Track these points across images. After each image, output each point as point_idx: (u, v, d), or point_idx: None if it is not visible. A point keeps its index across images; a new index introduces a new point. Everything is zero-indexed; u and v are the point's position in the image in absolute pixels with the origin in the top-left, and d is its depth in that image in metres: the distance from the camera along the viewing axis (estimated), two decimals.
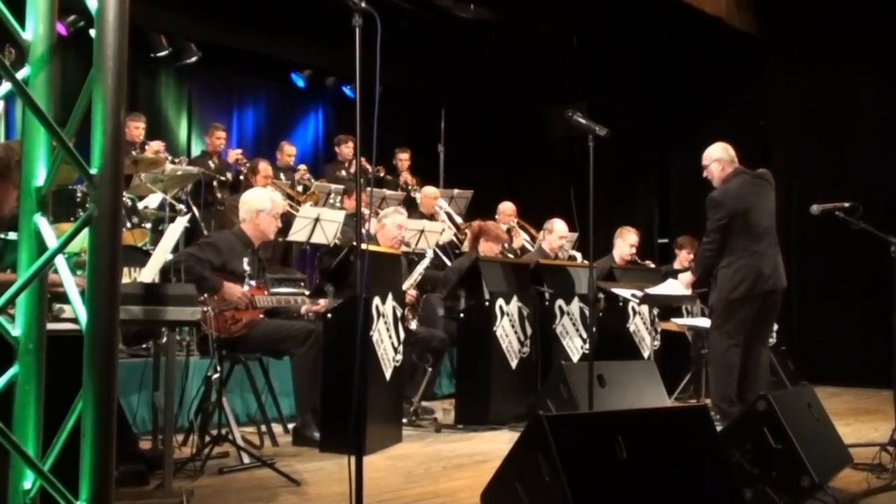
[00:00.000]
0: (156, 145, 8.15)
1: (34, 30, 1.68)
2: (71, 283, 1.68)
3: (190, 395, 5.31)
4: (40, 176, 1.69)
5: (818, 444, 4.09)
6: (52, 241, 1.68)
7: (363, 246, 4.68)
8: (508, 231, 9.46)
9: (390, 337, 5.48)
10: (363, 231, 8.06)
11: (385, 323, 5.42)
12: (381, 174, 10.26)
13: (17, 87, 1.56)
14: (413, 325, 6.57)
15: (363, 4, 2.97)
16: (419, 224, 8.20)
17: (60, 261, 1.68)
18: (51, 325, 1.94)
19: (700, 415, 3.47)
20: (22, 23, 1.70)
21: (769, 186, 6.05)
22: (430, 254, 7.45)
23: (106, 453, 1.58)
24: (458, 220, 9.71)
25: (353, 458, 3.09)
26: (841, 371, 8.85)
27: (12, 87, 1.57)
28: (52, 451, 1.72)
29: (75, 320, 1.79)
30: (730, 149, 6.07)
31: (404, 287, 6.55)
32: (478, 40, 11.65)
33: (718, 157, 6.00)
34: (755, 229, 5.81)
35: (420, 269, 7.00)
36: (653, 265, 8.99)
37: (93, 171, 1.58)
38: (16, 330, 1.74)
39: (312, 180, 9.27)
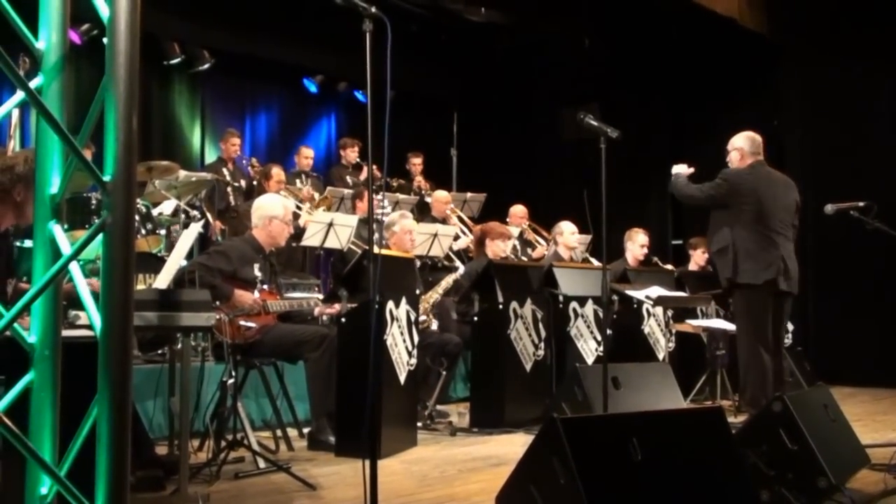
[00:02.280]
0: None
1: (47, 39, 1.69)
2: (85, 290, 1.69)
3: (205, 400, 5.32)
4: (54, 184, 1.71)
5: (835, 445, 4.06)
6: (66, 248, 1.69)
7: (376, 250, 4.70)
8: (521, 234, 9.47)
9: (404, 341, 5.48)
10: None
11: (399, 327, 5.43)
12: (392, 182, 10.25)
13: (31, 96, 1.58)
14: (434, 325, 6.58)
15: (373, 10, 2.98)
16: (432, 228, 8.21)
17: (75, 267, 1.69)
18: (66, 332, 1.95)
19: (715, 416, 3.45)
20: (35, 32, 1.71)
21: (792, 189, 5.96)
22: (462, 268, 7.46)
23: (121, 458, 1.59)
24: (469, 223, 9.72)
25: (367, 462, 3.09)
26: (857, 371, 8.79)
27: (26, 96, 1.58)
28: (68, 456, 1.73)
29: (91, 327, 1.80)
30: (756, 139, 5.98)
31: (433, 295, 6.59)
32: (489, 43, 11.65)
33: (740, 147, 5.93)
34: (766, 223, 5.71)
35: (450, 279, 6.97)
36: (672, 267, 8.97)
37: (106, 178, 1.59)
38: (31, 337, 1.76)
39: (316, 196, 9.18)
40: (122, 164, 1.58)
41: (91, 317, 1.66)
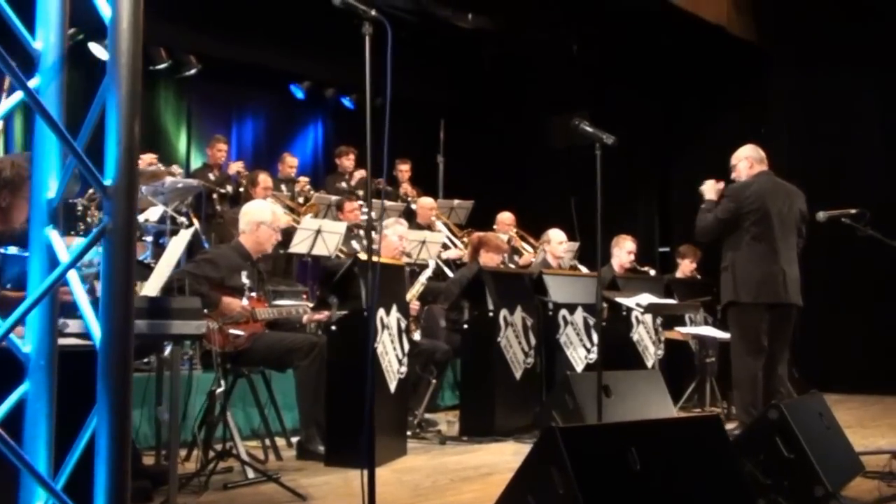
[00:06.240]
0: (148, 157, 8.10)
1: (45, 39, 1.65)
2: (84, 298, 1.64)
3: (192, 409, 5.26)
4: (51, 188, 1.66)
5: (830, 453, 4.06)
6: (63, 255, 1.64)
7: (364, 258, 4.67)
8: (509, 241, 9.44)
9: (395, 349, 5.44)
10: (364, 243, 8.01)
11: (389, 335, 5.38)
12: (380, 185, 10.22)
13: (30, 96, 1.53)
14: (416, 335, 6.53)
15: (373, 13, 2.94)
16: (420, 235, 8.19)
17: (73, 275, 1.64)
18: (61, 341, 1.90)
19: (713, 425, 3.43)
20: (32, 31, 1.66)
21: (798, 198, 5.91)
22: (432, 264, 7.42)
23: (121, 471, 1.54)
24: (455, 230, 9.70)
25: (365, 472, 3.05)
26: (846, 378, 8.79)
27: (25, 97, 1.53)
28: (64, 468, 1.68)
29: (81, 335, 1.75)
30: (760, 150, 5.97)
31: (407, 298, 6.52)
32: (477, 50, 11.64)
33: (747, 156, 5.89)
34: (769, 234, 5.66)
35: (422, 279, 6.99)
36: (654, 272, 8.97)
37: (107, 182, 1.55)
38: (26, 346, 1.71)
39: (313, 192, 9.25)
40: (124, 168, 1.53)
41: (89, 325, 1.61)
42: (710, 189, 6.04)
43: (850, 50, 9.51)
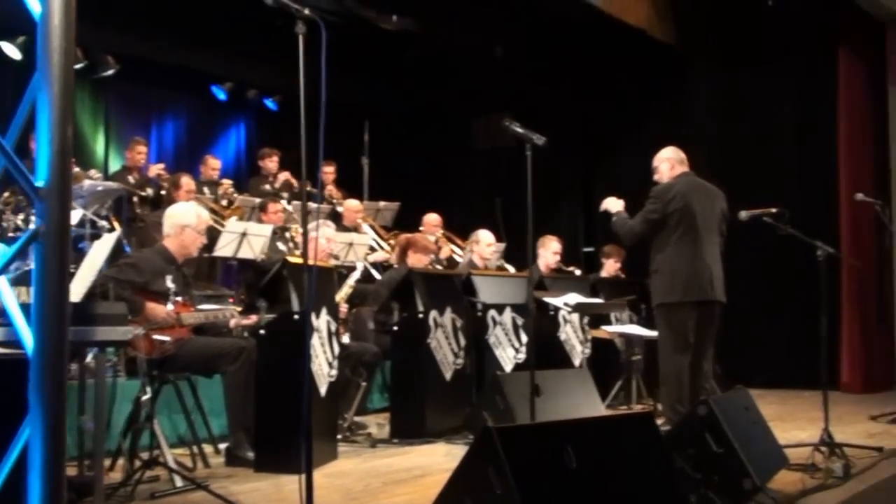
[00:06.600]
0: None
1: None
2: (14, 305, 1.57)
3: (117, 418, 5.12)
4: None
5: (757, 447, 4.15)
6: None
7: (293, 260, 4.63)
8: (435, 242, 9.45)
9: (325, 352, 5.38)
10: (290, 246, 7.90)
11: (319, 338, 5.32)
12: (308, 187, 10.13)
13: None
14: (345, 338, 6.48)
15: (307, 12, 2.90)
16: (347, 237, 8.13)
17: (2, 282, 1.57)
18: None
19: (646, 422, 3.48)
20: None
21: (719, 198, 6.03)
22: (360, 267, 7.38)
23: (57, 482, 1.48)
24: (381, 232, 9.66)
25: (303, 477, 3.01)
26: (764, 373, 9.00)
27: None
28: None
29: (7, 343, 1.67)
30: (680, 151, 6.07)
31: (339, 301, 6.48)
32: (401, 51, 11.60)
33: (668, 157, 6.00)
34: (694, 234, 5.76)
35: (350, 282, 6.95)
36: (579, 272, 9.06)
37: (38, 183, 1.49)
38: None
39: (236, 195, 9.11)
40: (57, 169, 1.47)
41: (21, 333, 1.54)
42: (614, 203, 6.14)
43: (767, 53, 9.78)
